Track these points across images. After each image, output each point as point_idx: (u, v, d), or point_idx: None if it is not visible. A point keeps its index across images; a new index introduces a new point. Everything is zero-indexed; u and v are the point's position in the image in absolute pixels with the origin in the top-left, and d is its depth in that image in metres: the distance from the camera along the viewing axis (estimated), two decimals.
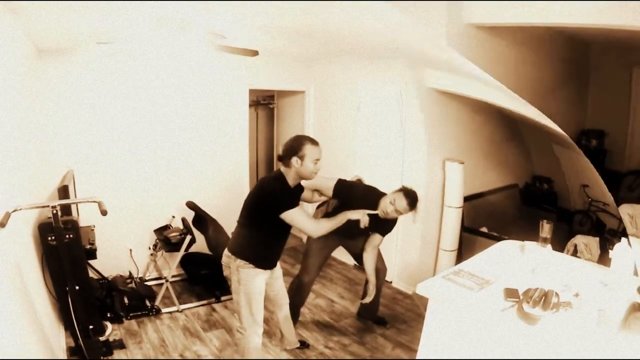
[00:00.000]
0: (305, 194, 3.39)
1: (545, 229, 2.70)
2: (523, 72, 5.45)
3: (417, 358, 2.42)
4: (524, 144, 7.39)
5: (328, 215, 3.54)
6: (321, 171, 3.04)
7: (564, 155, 6.91)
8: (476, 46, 4.54)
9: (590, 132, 6.96)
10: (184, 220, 4.87)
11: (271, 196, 2.94)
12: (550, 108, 6.08)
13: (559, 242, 4.33)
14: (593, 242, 4.29)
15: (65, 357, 3.55)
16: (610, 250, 2.28)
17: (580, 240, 4.31)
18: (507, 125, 6.73)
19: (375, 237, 3.80)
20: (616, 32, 4.23)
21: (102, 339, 3.71)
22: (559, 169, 7.16)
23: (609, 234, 4.84)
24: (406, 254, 5.23)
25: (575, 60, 6.73)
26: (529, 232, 3.13)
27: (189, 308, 4.71)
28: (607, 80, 6.95)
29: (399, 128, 5.07)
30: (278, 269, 3.42)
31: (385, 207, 3.46)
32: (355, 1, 3.07)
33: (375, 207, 3.46)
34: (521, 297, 2.06)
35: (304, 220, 2.96)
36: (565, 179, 7.16)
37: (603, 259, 3.98)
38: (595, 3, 3.53)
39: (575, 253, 4.26)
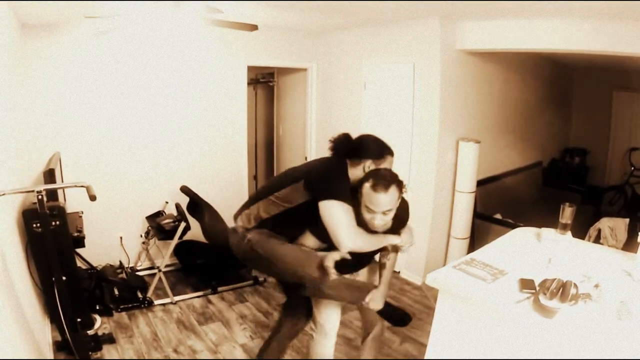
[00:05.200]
0: None
1: (566, 214, 2.67)
2: (510, 94, 6.06)
3: (427, 352, 2.43)
4: (565, 107, 8.01)
5: None
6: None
7: (623, 106, 7.59)
8: (467, 70, 5.08)
9: (573, 150, 7.86)
10: (178, 206, 4.87)
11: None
12: (536, 127, 6.97)
13: (583, 227, 4.37)
14: (621, 224, 4.29)
15: (51, 352, 3.56)
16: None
17: (605, 224, 4.32)
18: (550, 85, 7.18)
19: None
20: (597, 57, 4.74)
21: (90, 332, 3.72)
22: (602, 134, 7.86)
23: None
24: (415, 242, 5.20)
25: (559, 83, 7.52)
26: (548, 218, 3.13)
27: (183, 300, 4.74)
28: (589, 102, 7.94)
29: (409, 106, 5.04)
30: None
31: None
32: None
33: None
34: (537, 289, 2.05)
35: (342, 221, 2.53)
36: (609, 143, 7.83)
37: (630, 244, 4.00)
38: (579, 30, 3.97)
39: (598, 239, 4.27)
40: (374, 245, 2.68)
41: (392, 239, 2.68)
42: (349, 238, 2.50)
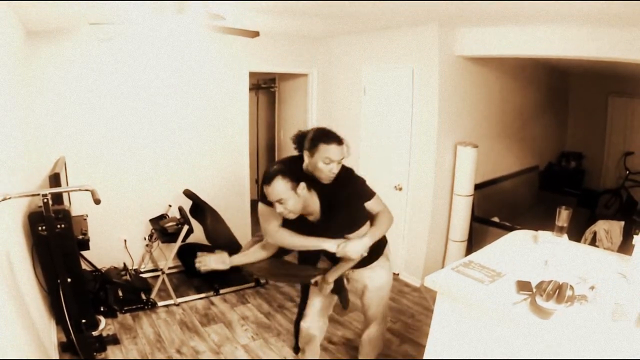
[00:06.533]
0: None
1: (562, 217, 2.68)
2: (507, 99, 6.03)
3: (425, 353, 2.43)
4: (562, 112, 7.97)
5: None
6: None
7: (619, 111, 7.58)
8: (465, 75, 5.08)
9: (569, 154, 7.84)
10: (181, 210, 4.87)
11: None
12: (533, 131, 6.94)
13: (579, 229, 4.37)
14: (616, 227, 4.30)
15: (56, 353, 3.56)
16: (635, 236, 2.26)
17: (601, 226, 4.32)
18: (547, 90, 7.13)
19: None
20: (593, 63, 4.81)
21: (95, 333, 3.72)
22: (597, 138, 7.83)
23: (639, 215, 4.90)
24: (414, 244, 5.24)
25: (555, 88, 7.49)
26: (545, 221, 3.13)
27: (186, 301, 4.74)
28: (585, 107, 7.91)
29: (408, 110, 5.04)
30: (369, 276, 3.12)
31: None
32: None
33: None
34: (534, 290, 2.05)
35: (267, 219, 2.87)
36: (605, 147, 7.78)
37: (625, 246, 4.01)
38: (576, 35, 3.98)
39: (594, 242, 4.27)
40: (302, 244, 2.84)
41: (323, 244, 2.79)
42: (268, 234, 2.89)
